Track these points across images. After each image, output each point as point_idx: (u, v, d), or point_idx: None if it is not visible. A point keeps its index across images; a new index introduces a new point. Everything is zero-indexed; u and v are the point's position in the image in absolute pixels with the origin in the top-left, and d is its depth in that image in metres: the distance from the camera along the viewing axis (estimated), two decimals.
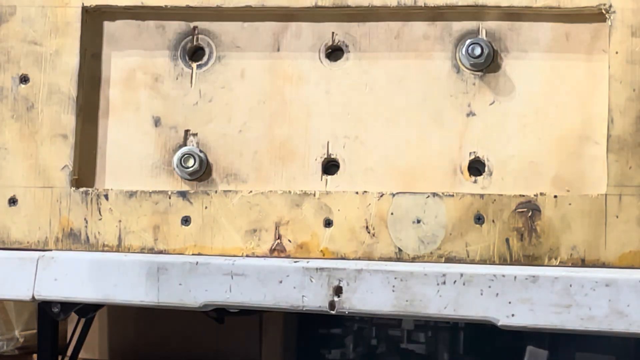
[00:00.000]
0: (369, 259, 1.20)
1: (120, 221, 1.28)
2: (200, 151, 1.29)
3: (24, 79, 1.31)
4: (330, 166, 1.27)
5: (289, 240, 1.23)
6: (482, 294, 1.05)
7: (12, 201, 1.30)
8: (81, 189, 1.29)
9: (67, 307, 1.30)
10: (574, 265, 1.15)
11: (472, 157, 1.22)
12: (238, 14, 1.29)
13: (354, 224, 1.21)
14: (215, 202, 1.25)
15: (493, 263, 1.17)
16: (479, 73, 1.24)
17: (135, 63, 1.32)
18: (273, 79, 1.28)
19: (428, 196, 1.20)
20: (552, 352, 1.36)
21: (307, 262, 1.14)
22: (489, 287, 1.05)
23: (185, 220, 1.26)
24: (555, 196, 1.17)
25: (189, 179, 1.29)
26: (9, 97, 1.31)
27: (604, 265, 1.14)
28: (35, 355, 2.01)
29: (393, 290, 1.08)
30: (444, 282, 1.07)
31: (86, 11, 1.32)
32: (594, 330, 1.02)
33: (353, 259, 1.20)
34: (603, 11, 1.18)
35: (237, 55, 1.30)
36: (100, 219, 1.28)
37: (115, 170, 1.31)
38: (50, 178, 1.29)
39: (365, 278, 1.09)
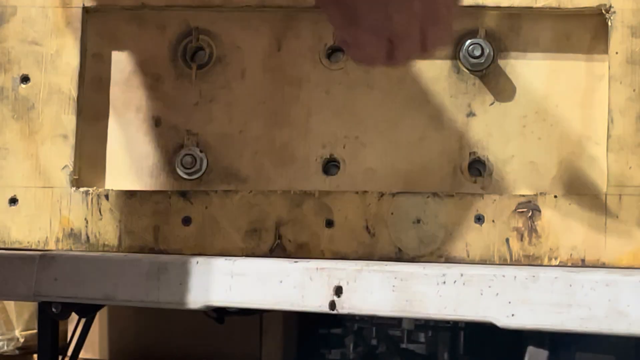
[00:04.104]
0: (369, 259, 1.20)
1: (120, 221, 1.28)
2: (201, 151, 1.29)
3: (25, 79, 1.31)
4: (330, 166, 1.27)
5: (289, 240, 1.23)
6: (482, 294, 1.05)
7: (13, 201, 1.30)
8: (81, 189, 1.29)
9: (67, 307, 1.30)
10: (574, 265, 1.15)
11: (472, 157, 1.22)
12: (238, 14, 1.29)
13: (354, 224, 1.21)
14: (215, 202, 1.25)
15: (493, 263, 1.17)
16: (479, 73, 1.24)
17: (136, 63, 1.32)
18: (273, 79, 1.28)
19: (428, 196, 1.20)
20: (552, 352, 1.36)
21: (308, 262, 1.14)
22: (489, 287, 1.05)
23: (186, 221, 1.26)
24: (556, 196, 1.17)
25: (189, 179, 1.29)
26: (9, 97, 1.31)
27: (604, 265, 1.14)
28: (35, 355, 2.01)
29: (393, 290, 1.08)
30: (444, 282, 1.07)
31: (87, 11, 1.32)
32: (594, 330, 1.02)
33: (353, 259, 1.20)
34: (603, 12, 1.18)
35: (238, 55, 1.30)
36: (100, 219, 1.28)
37: (116, 171, 1.31)
38: (50, 178, 1.29)
39: (366, 278, 1.09)
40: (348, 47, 1.05)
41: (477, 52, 1.22)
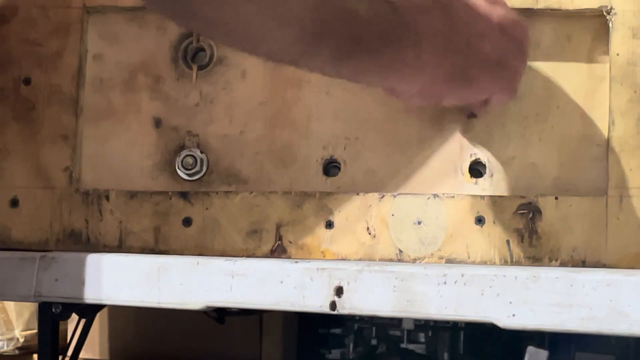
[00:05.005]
0: (370, 259, 1.20)
1: (121, 222, 1.28)
2: (201, 152, 1.29)
3: (25, 80, 1.31)
4: (331, 167, 1.26)
5: (290, 242, 1.23)
6: (482, 294, 1.05)
7: (14, 202, 1.30)
8: (82, 190, 1.29)
9: (68, 307, 1.30)
10: (574, 267, 1.15)
11: (473, 158, 1.22)
12: None
13: (354, 225, 1.21)
14: (216, 203, 1.25)
15: (493, 264, 1.17)
16: None
17: (137, 64, 1.32)
18: (274, 80, 1.28)
19: (429, 197, 1.20)
20: (552, 352, 1.36)
21: (308, 262, 1.14)
22: (490, 287, 1.05)
23: (186, 221, 1.26)
24: (556, 198, 1.17)
25: (189, 180, 1.29)
26: (10, 97, 1.31)
27: (604, 267, 1.14)
28: (35, 355, 2.01)
29: (394, 291, 1.08)
30: (445, 283, 1.07)
31: (87, 12, 1.32)
32: (595, 330, 1.02)
33: (354, 260, 1.20)
34: (604, 13, 1.18)
35: (238, 56, 1.29)
36: (101, 220, 1.28)
37: (116, 171, 1.31)
38: (51, 179, 1.29)
39: (366, 278, 1.09)
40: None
41: None
